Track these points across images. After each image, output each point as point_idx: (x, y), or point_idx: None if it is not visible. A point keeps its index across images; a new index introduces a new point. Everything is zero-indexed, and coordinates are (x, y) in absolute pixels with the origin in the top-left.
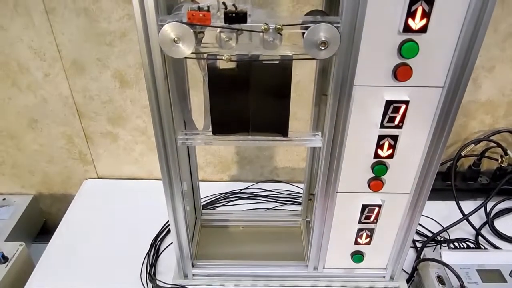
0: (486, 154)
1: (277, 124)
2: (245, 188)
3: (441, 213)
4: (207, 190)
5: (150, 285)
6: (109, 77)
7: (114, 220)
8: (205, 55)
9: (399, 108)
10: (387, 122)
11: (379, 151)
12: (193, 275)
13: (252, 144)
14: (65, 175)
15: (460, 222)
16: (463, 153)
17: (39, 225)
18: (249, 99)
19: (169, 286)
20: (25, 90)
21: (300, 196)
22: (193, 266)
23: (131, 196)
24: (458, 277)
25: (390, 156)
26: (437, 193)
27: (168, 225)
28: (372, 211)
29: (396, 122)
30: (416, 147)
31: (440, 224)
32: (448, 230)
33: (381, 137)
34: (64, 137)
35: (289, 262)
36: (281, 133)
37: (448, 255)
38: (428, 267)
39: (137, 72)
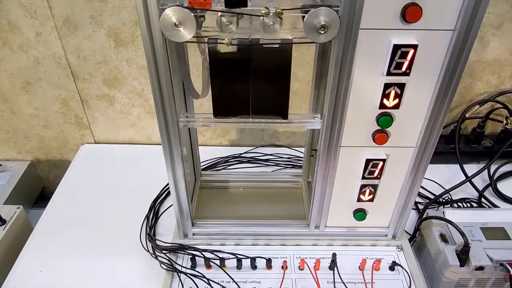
0: (491, 116)
1: (277, 107)
2: (245, 153)
3: (443, 176)
4: (206, 154)
5: (150, 245)
6: (103, 36)
7: (112, 184)
8: (206, 39)
9: (407, 53)
10: (394, 68)
11: (385, 101)
12: (193, 234)
13: (253, 126)
14: (62, 140)
15: (463, 184)
16: (467, 115)
17: (37, 191)
18: (249, 82)
19: (169, 245)
20: (17, 51)
21: (301, 160)
22: (193, 225)
23: (129, 160)
24: (462, 233)
25: (396, 107)
26: (440, 156)
27: (167, 187)
28: (376, 165)
29: (404, 68)
30: (424, 96)
31: (442, 187)
32: (450, 193)
33: (387, 86)
34: (59, 100)
35: (290, 221)
36: (281, 115)
37: (452, 214)
38: (431, 226)
39: (132, 31)
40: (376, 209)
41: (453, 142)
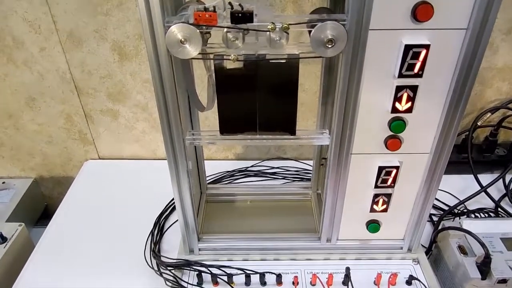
0: (503, 124)
1: (284, 123)
2: (251, 166)
3: (457, 186)
4: (212, 168)
5: (154, 262)
6: (107, 49)
7: (115, 200)
8: (212, 56)
9: (419, 53)
10: (406, 70)
11: (397, 105)
12: (199, 249)
13: (260, 143)
14: (65, 157)
15: (478, 194)
16: (479, 123)
17: (40, 209)
18: (256, 99)
19: (174, 261)
20: (21, 66)
21: (309, 173)
22: (199, 240)
23: (134, 176)
24: (483, 244)
25: (409, 110)
26: (453, 166)
27: (172, 203)
28: (389, 173)
29: (416, 69)
30: (437, 99)
31: (457, 198)
32: (465, 203)
33: (399, 89)
34: (63, 115)
35: (300, 234)
36: (288, 131)
37: (469, 225)
38: (448, 237)
39: (136, 44)
40: (390, 220)
41: (465, 152)
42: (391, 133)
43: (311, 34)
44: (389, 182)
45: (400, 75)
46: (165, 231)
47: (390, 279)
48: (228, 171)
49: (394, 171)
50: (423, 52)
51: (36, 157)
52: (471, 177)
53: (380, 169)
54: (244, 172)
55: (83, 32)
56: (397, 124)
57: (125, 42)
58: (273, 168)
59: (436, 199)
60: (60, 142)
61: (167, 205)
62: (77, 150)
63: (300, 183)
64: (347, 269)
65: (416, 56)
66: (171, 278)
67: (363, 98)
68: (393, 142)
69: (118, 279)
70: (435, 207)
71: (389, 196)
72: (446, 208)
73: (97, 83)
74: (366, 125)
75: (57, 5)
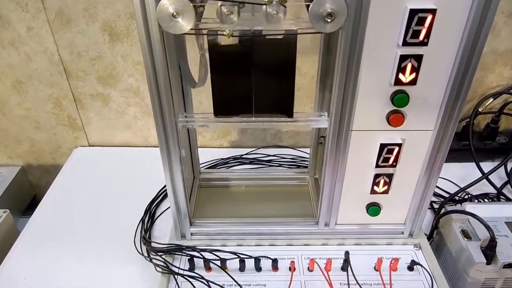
0: (505, 111)
1: (281, 104)
2: (246, 154)
3: (457, 174)
4: (206, 156)
5: (144, 249)
6: (97, 29)
7: (105, 188)
8: (206, 31)
9: (424, 19)
10: (411, 37)
11: (401, 76)
12: (192, 234)
13: (256, 126)
14: (54, 144)
15: (479, 181)
16: (480, 109)
17: (28, 199)
18: (252, 78)
19: (165, 246)
20: (7, 47)
21: (307, 160)
22: (191, 225)
23: (125, 164)
24: (488, 227)
25: (413, 82)
26: (453, 154)
27: (164, 190)
28: (391, 151)
29: (421, 37)
30: (443, 70)
31: (457, 185)
32: (467, 191)
33: (403, 58)
34: (51, 99)
35: (297, 218)
36: (286, 113)
37: (473, 208)
38: (451, 221)
39: (127, 23)
40: (391, 203)
41: (465, 139)
42: (394, 108)
43: (310, 8)
44: (390, 161)
45: (405, 43)
46: (157, 218)
47: (391, 264)
48: (223, 159)
49: (396, 149)
50: (429, 17)
51: (23, 143)
52: (472, 165)
53: (382, 146)
54: (239, 160)
55: (72, 11)
56: (400, 98)
57: (116, 22)
58: (269, 156)
59: (437, 186)
60: (49, 128)
61: (158, 192)
62: (67, 137)
63: (297, 169)
64: (346, 253)
65: (421, 22)
66: (162, 263)
67: (364, 70)
68: (395, 117)
69: (107, 267)
70: (435, 194)
71: (390, 176)
72: (447, 195)
73: (87, 65)
74: (368, 99)
75: None
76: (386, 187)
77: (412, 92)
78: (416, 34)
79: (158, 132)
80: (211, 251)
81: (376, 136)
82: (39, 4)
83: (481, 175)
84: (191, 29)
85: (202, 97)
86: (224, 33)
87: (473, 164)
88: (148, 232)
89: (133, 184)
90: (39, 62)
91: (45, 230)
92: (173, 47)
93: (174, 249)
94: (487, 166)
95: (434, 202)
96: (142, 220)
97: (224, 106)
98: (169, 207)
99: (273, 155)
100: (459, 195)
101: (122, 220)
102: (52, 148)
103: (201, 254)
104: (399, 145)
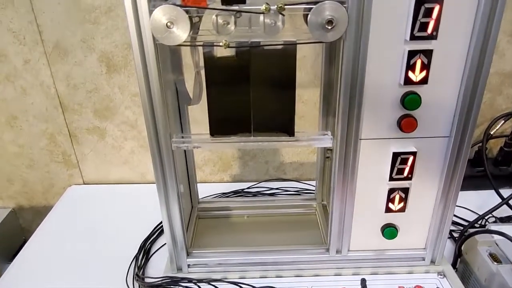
0: None
1: (282, 122)
2: (248, 188)
3: (475, 203)
4: (206, 191)
5: (137, 286)
6: (94, 61)
7: (98, 227)
8: (201, 44)
9: (431, 9)
10: (419, 31)
11: (410, 74)
12: (188, 266)
13: (255, 146)
14: (47, 183)
15: (500, 206)
16: (492, 132)
17: (17, 243)
18: (250, 93)
19: (158, 280)
20: (3, 81)
21: (312, 192)
22: (188, 255)
23: (120, 202)
24: None
25: (424, 81)
26: (468, 182)
27: (160, 226)
28: (405, 161)
29: (429, 30)
30: (455, 65)
31: (476, 213)
32: (488, 217)
33: (412, 54)
34: (46, 135)
35: (306, 246)
36: (286, 132)
37: (499, 229)
38: (476, 245)
39: (125, 54)
40: (409, 224)
41: (479, 165)
42: (405, 112)
43: (309, 15)
44: (405, 173)
45: (412, 37)
46: (152, 255)
47: None
48: (223, 193)
49: (411, 158)
50: (436, 7)
51: (15, 183)
52: (488, 192)
53: (395, 156)
54: (241, 194)
55: (69, 42)
56: (411, 99)
57: (113, 53)
58: (272, 189)
59: (455, 215)
60: (42, 165)
61: (154, 228)
62: (60, 175)
63: (303, 196)
64: (363, 281)
65: (429, 12)
66: None
67: (371, 71)
68: (407, 122)
69: None
70: (454, 223)
71: (406, 191)
72: (466, 224)
73: (83, 98)
74: (376, 104)
75: (43, 14)
76: (402, 204)
77: (423, 92)
78: (424, 26)
79: (152, 153)
80: (208, 282)
81: (388, 145)
82: (37, 37)
83: (499, 201)
84: (186, 41)
85: (199, 117)
86: (221, 44)
87: (490, 191)
88: (142, 270)
89: (128, 222)
90: (35, 96)
91: (30, 272)
92: (169, 65)
93: (168, 282)
94: (505, 192)
95: (454, 231)
96: (136, 257)
97: (221, 125)
98: (165, 243)
99: (277, 189)
100: (479, 222)
101: (114, 259)
102: (45, 187)
103: (198, 286)
104: (414, 153)
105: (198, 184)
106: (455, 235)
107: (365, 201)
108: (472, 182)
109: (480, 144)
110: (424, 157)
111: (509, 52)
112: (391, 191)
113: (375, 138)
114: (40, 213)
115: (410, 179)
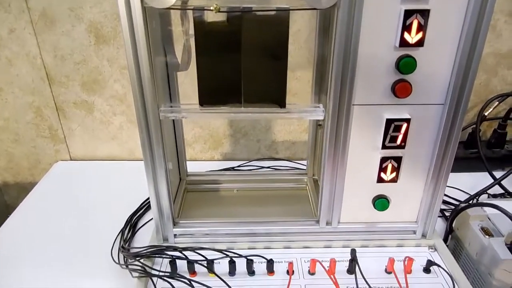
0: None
1: (273, 93)
2: (239, 166)
3: (467, 184)
4: (195, 168)
5: (122, 257)
6: (83, 31)
7: (83, 203)
8: (191, 7)
9: None
10: None
11: (406, 36)
12: (175, 235)
13: (245, 117)
14: (34, 158)
15: (492, 186)
16: (486, 113)
17: (2, 220)
18: (240, 61)
19: (143, 249)
20: None
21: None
22: (174, 225)
23: (107, 179)
24: None
25: (420, 43)
26: (460, 163)
27: (147, 202)
28: (399, 128)
29: None
30: (452, 27)
31: (468, 193)
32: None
33: (408, 13)
34: (32, 108)
35: (295, 218)
36: (278, 103)
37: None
38: (468, 220)
39: (114, 25)
40: (401, 196)
41: (472, 147)
42: (400, 77)
43: None
44: (399, 141)
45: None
46: (138, 229)
47: (405, 265)
48: (213, 171)
49: (405, 125)
50: None
51: (0, 158)
52: (481, 174)
53: (389, 122)
54: (231, 172)
55: (57, 11)
56: (406, 62)
57: (102, 23)
58: (263, 167)
59: (446, 195)
60: (28, 140)
61: (142, 203)
62: (47, 150)
63: (294, 171)
64: (353, 251)
65: None
66: (139, 268)
67: (366, 34)
68: (402, 87)
69: (81, 280)
70: (446, 202)
71: (399, 160)
72: (457, 203)
73: (71, 70)
74: (370, 68)
75: None
76: (394, 174)
77: (419, 56)
78: None
79: (139, 123)
80: (194, 250)
81: (382, 111)
82: (23, 4)
83: (491, 183)
84: (176, 5)
85: (190, 92)
86: (211, 8)
87: (483, 173)
88: (128, 243)
89: (115, 198)
90: (21, 66)
91: (15, 244)
92: (158, 31)
93: (153, 251)
94: (498, 175)
95: (446, 210)
96: (122, 231)
97: (210, 94)
98: (151, 218)
99: (268, 167)
100: (471, 202)
101: (100, 233)
102: (31, 163)
103: (184, 254)
104: (408, 120)
105: (188, 162)
106: (447, 214)
107: (356, 171)
108: (465, 164)
109: (474, 126)
110: (418, 125)
111: (506, 33)
112: (384, 160)
113: (368, 104)
114: (26, 189)
115: (403, 147)
